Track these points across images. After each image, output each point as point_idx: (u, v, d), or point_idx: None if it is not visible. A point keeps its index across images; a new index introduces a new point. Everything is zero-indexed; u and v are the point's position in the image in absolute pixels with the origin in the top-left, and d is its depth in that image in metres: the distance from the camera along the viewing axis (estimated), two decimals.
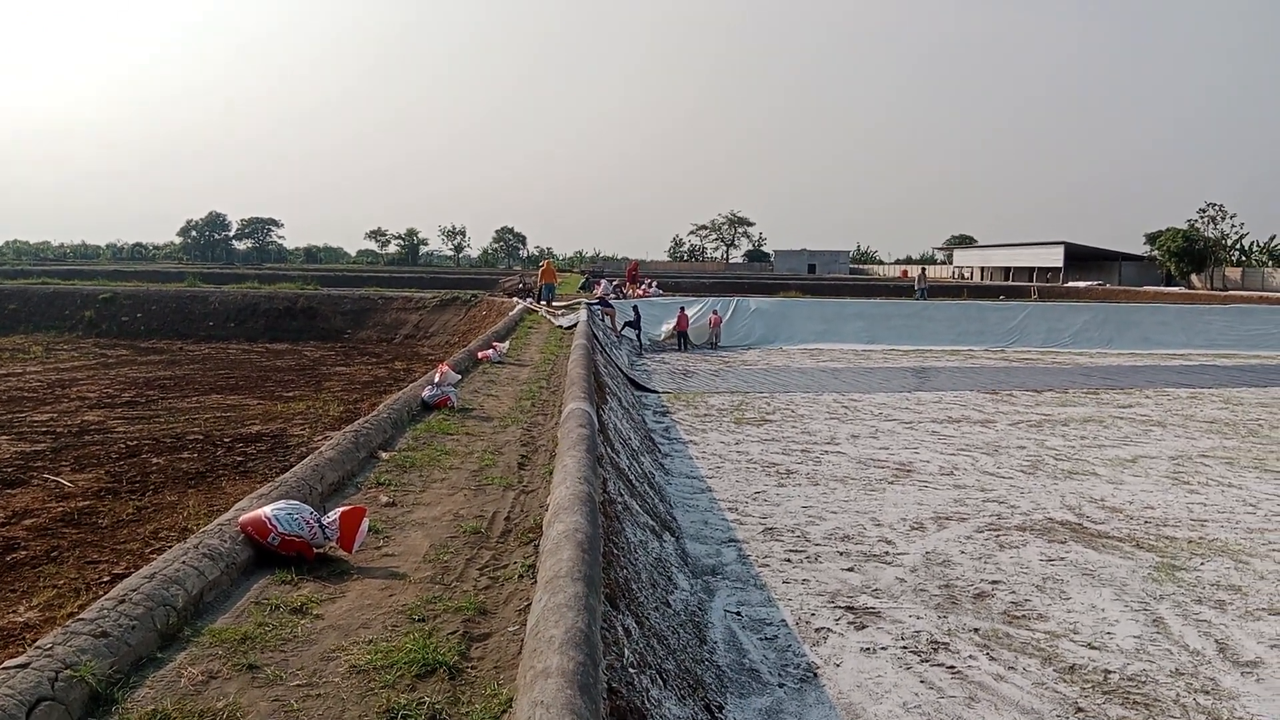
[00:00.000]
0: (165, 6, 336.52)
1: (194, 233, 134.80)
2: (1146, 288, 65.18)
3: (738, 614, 6.87)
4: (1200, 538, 9.06)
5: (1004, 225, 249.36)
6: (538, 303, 29.55)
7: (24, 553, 6.22)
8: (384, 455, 7.69)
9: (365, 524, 5.14)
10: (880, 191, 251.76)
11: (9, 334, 27.48)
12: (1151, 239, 78.79)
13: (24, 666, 3.14)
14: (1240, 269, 72.29)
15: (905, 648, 6.30)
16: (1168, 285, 69.96)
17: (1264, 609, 7.16)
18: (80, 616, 3.62)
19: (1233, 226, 76.81)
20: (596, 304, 28.96)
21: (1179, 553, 8.56)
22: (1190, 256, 71.64)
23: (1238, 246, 78.14)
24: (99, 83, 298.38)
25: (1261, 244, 79.45)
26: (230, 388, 16.23)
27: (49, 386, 15.85)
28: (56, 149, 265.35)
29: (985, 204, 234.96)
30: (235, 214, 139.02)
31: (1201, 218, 76.14)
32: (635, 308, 29.37)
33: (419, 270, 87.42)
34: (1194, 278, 72.62)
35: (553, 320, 24.53)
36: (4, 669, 3.12)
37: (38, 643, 3.38)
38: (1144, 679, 5.89)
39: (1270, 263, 75.60)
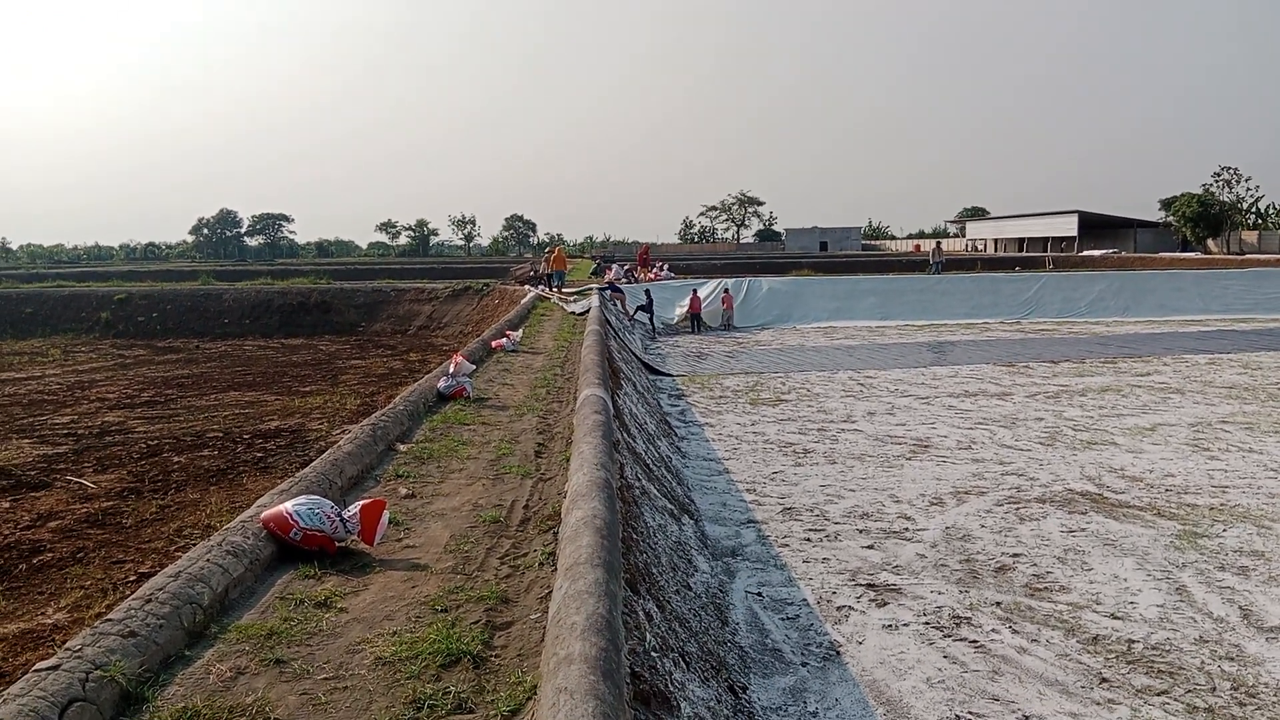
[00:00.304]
0: (168, 4, 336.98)
1: (206, 230, 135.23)
2: (1162, 254, 64.69)
3: (759, 595, 6.89)
4: (1222, 504, 9.02)
5: (1017, 196, 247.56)
6: (549, 289, 29.57)
7: (50, 554, 6.30)
8: (402, 447, 7.74)
9: (386, 516, 5.17)
10: (891, 166, 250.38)
11: (27, 338, 27.71)
12: (1166, 205, 78.14)
13: (55, 668, 3.18)
14: (1257, 232, 71.62)
15: (927, 623, 6.31)
16: (1184, 251, 69.40)
17: None
18: (108, 617, 3.66)
19: (1248, 189, 76.02)
20: (606, 289, 28.96)
21: (1201, 520, 8.52)
22: (1206, 221, 71.01)
23: (1254, 209, 77.34)
24: (104, 84, 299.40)
25: (1278, 206, 78.65)
26: (248, 384, 16.32)
27: (69, 389, 15.98)
28: (66, 152, 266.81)
29: (997, 175, 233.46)
30: (246, 210, 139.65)
31: (1217, 181, 75.43)
32: (647, 291, 29.36)
33: (430, 261, 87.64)
34: (1210, 242, 71.99)
35: (565, 307, 24.55)
36: (36, 671, 3.17)
37: (67, 644, 3.42)
38: (1168, 648, 5.88)
39: None
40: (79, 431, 11.46)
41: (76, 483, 8.54)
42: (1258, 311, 30.72)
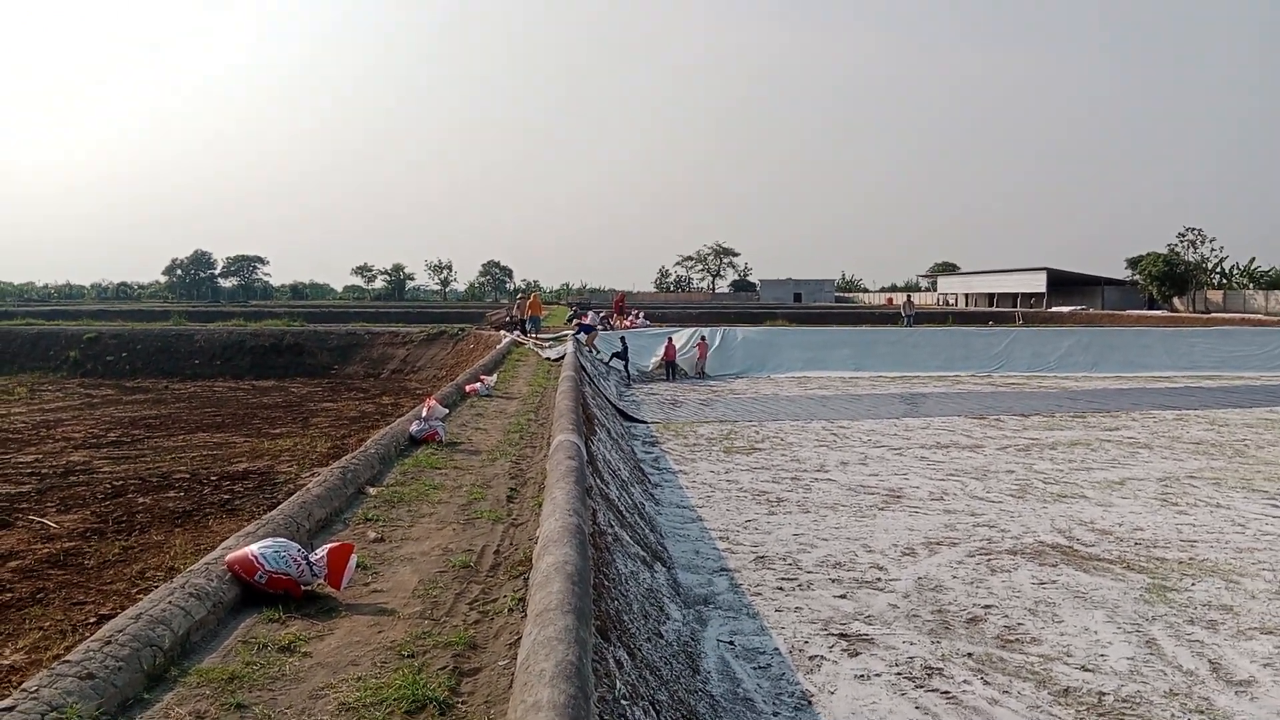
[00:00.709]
0: (143, 44, 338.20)
1: (179, 271, 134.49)
2: (1129, 311, 65.72)
3: (731, 643, 6.83)
4: (1190, 558, 9.08)
5: (987, 252, 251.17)
6: (524, 335, 29.59)
7: (9, 595, 6.16)
8: (372, 491, 7.66)
9: (353, 560, 5.10)
10: (865, 220, 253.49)
11: None
12: (1133, 263, 79.52)
13: (10, 710, 3.10)
14: (1222, 292, 72.98)
15: (899, 674, 6.27)
16: (1150, 309, 70.55)
17: (1256, 628, 7.17)
18: (66, 659, 3.58)
19: (1212, 250, 77.62)
20: (579, 332, 29.03)
21: (1170, 574, 8.57)
22: (1172, 280, 72.29)
23: (1218, 270, 78.91)
24: (79, 122, 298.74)
25: (1241, 266, 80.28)
26: (217, 425, 16.15)
27: (34, 427, 15.73)
28: (39, 189, 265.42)
29: (968, 231, 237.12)
30: (221, 252, 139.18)
31: (1181, 242, 76.93)
32: (623, 339, 29.43)
33: (406, 305, 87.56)
34: (1176, 301, 73.25)
35: (540, 352, 24.55)
36: None
37: (23, 685, 3.34)
38: (1138, 700, 5.88)
39: (1250, 285, 76.32)
40: (43, 470, 11.27)
41: (39, 522, 8.38)
42: (1224, 369, 31.17)
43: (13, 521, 8.46)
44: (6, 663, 4.85)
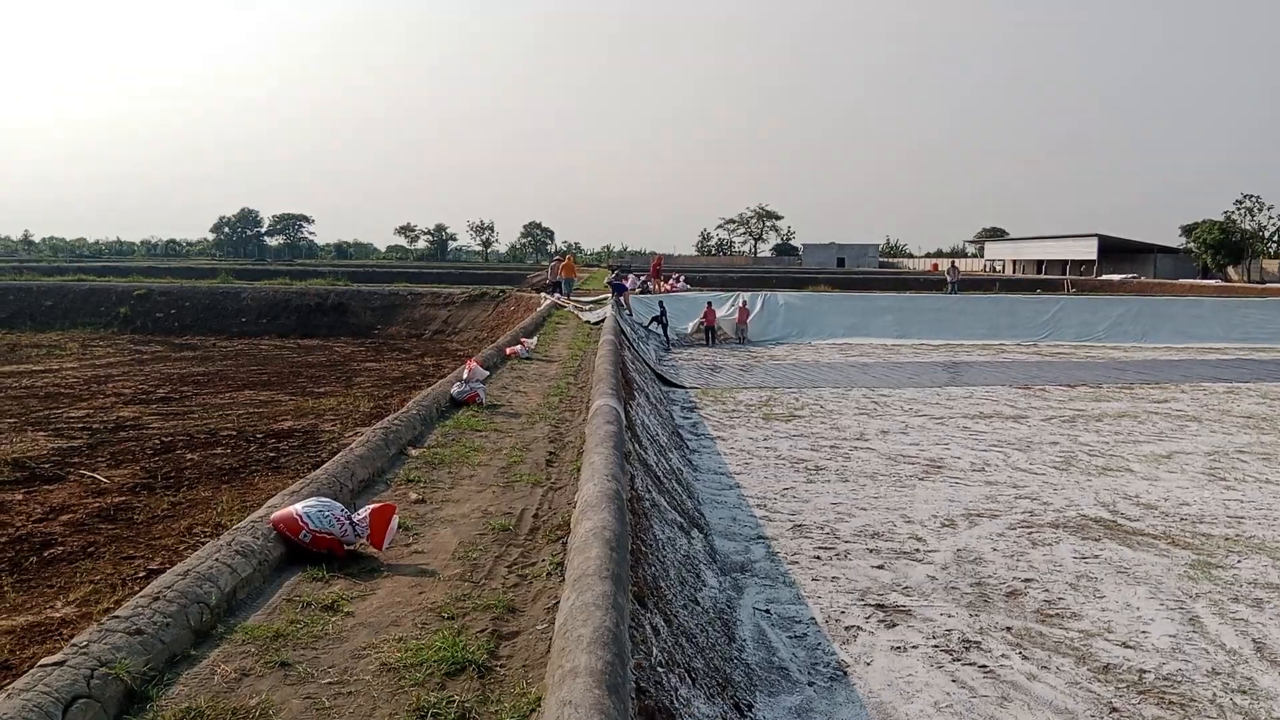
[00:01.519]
0: (195, 4, 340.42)
1: (226, 229, 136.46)
2: (1182, 281, 64.27)
3: (767, 612, 6.85)
4: (1237, 535, 8.92)
5: (1036, 218, 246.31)
6: (561, 297, 29.64)
7: (61, 548, 6.32)
8: (413, 452, 7.74)
9: (395, 521, 5.17)
10: (910, 184, 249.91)
11: (46, 331, 27.91)
12: (1187, 231, 77.77)
13: (60, 664, 3.18)
14: (1278, 261, 71.06)
15: (937, 646, 6.25)
16: (1204, 278, 68.94)
17: None
18: (116, 614, 3.66)
19: (1270, 218, 75.49)
20: (616, 293, 29.03)
21: (1215, 550, 8.43)
22: (1227, 249, 70.57)
23: (1275, 239, 76.80)
24: (130, 81, 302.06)
25: None
26: (262, 384, 16.39)
27: (85, 383, 16.08)
28: (91, 146, 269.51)
29: (1017, 196, 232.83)
30: (267, 210, 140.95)
31: (1238, 209, 74.90)
32: (661, 303, 29.35)
33: (448, 266, 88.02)
34: (1231, 270, 71.51)
35: (580, 315, 24.58)
36: (41, 667, 3.17)
37: (74, 640, 3.43)
38: (1179, 678, 5.81)
39: None
40: (94, 426, 11.52)
41: (90, 477, 8.58)
42: (1278, 341, 30.43)
43: (65, 475, 8.67)
44: (58, 615, 4.99)
